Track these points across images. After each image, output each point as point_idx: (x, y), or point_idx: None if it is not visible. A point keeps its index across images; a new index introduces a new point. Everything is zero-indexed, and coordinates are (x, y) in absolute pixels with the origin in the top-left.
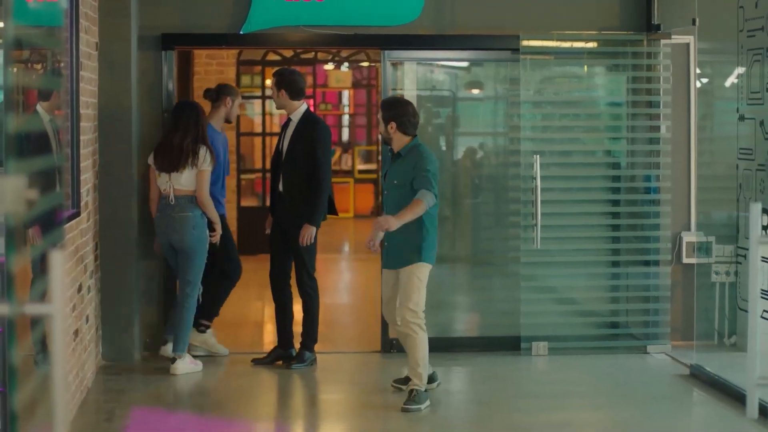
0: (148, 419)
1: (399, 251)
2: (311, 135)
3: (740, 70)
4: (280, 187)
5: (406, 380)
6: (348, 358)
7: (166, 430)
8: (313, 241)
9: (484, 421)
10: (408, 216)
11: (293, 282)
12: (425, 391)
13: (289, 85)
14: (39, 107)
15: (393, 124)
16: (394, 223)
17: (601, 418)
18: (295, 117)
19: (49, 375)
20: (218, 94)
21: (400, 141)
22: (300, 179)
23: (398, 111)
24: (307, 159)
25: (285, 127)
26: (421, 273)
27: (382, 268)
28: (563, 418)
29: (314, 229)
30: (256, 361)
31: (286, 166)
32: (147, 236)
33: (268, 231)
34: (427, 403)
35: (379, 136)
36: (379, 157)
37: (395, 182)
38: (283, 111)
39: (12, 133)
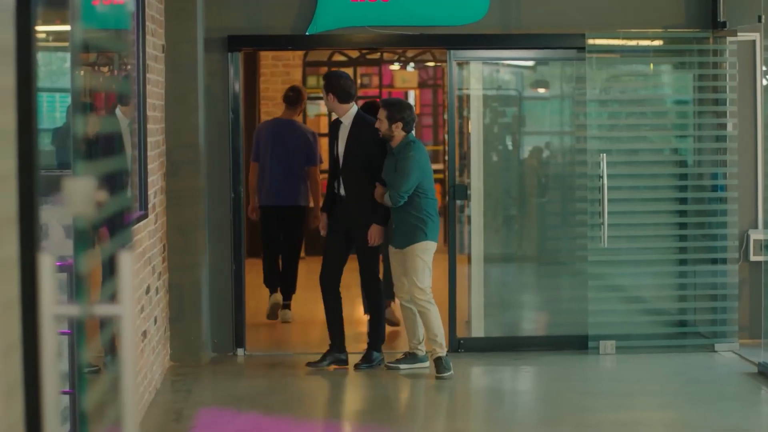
0: (216, 420)
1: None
2: (367, 138)
3: None
4: (341, 191)
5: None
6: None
7: (234, 430)
8: (382, 240)
9: (552, 420)
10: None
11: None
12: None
13: (336, 88)
14: (118, 111)
15: (400, 124)
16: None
17: (668, 417)
18: (347, 120)
19: (118, 376)
20: (299, 95)
21: (398, 138)
22: (362, 182)
23: (406, 113)
24: (367, 161)
25: (334, 129)
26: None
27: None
28: (631, 417)
29: (383, 228)
30: (311, 365)
31: (345, 170)
32: (217, 236)
33: (324, 233)
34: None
35: (393, 134)
36: (446, 157)
37: (395, 171)
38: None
39: (87, 134)
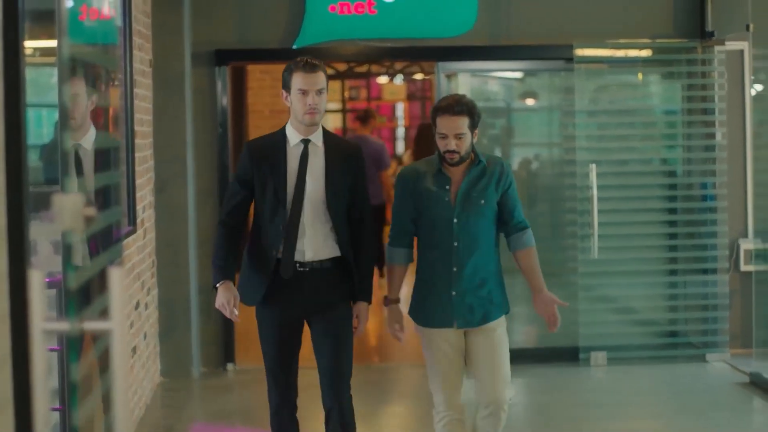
0: None
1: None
2: (352, 161)
3: None
4: (308, 252)
5: None
6: (410, 371)
7: None
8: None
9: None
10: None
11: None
12: None
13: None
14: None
15: (476, 132)
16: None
17: (660, 428)
18: (317, 138)
19: (108, 392)
20: (368, 114)
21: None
22: (347, 230)
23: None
24: (349, 199)
25: (282, 153)
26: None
27: (438, 327)
28: (623, 428)
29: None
30: None
31: (333, 212)
32: (206, 250)
33: (236, 313)
34: None
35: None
36: None
37: (482, 202)
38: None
39: (68, 150)
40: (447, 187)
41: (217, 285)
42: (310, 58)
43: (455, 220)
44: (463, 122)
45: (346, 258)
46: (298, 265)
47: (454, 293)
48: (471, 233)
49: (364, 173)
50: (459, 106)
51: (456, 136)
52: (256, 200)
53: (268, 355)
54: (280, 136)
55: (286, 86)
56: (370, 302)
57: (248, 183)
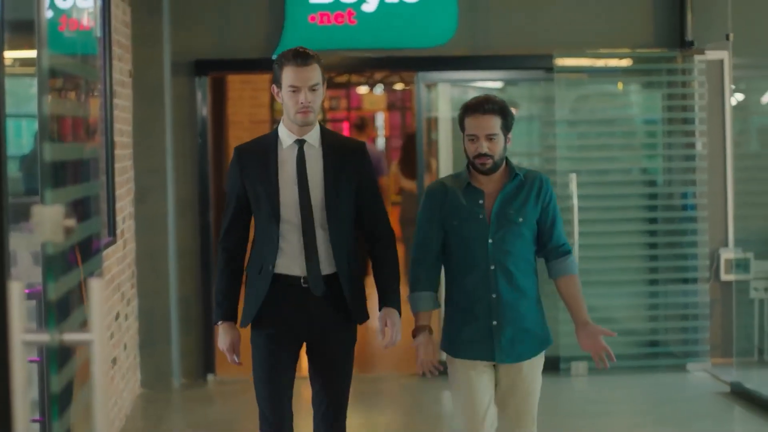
0: None
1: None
2: (355, 162)
3: None
4: (313, 264)
5: None
6: (386, 381)
7: None
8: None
9: None
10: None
11: None
12: None
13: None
14: None
15: (510, 136)
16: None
17: None
18: (313, 138)
19: (89, 403)
20: (364, 122)
21: (503, 162)
22: (352, 244)
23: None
24: (353, 207)
25: (269, 156)
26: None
27: (472, 359)
28: None
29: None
30: None
31: (333, 222)
32: (185, 261)
33: (237, 361)
34: None
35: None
36: (415, 179)
37: (520, 220)
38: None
39: (48, 161)
40: (480, 201)
41: (218, 324)
42: (302, 48)
43: (490, 241)
44: (495, 122)
45: (338, 273)
46: (302, 280)
47: (494, 323)
48: (508, 255)
49: (371, 174)
50: (489, 104)
51: (487, 137)
52: (252, 211)
53: (260, 379)
54: (272, 138)
55: (277, 81)
56: (399, 310)
57: (241, 193)
